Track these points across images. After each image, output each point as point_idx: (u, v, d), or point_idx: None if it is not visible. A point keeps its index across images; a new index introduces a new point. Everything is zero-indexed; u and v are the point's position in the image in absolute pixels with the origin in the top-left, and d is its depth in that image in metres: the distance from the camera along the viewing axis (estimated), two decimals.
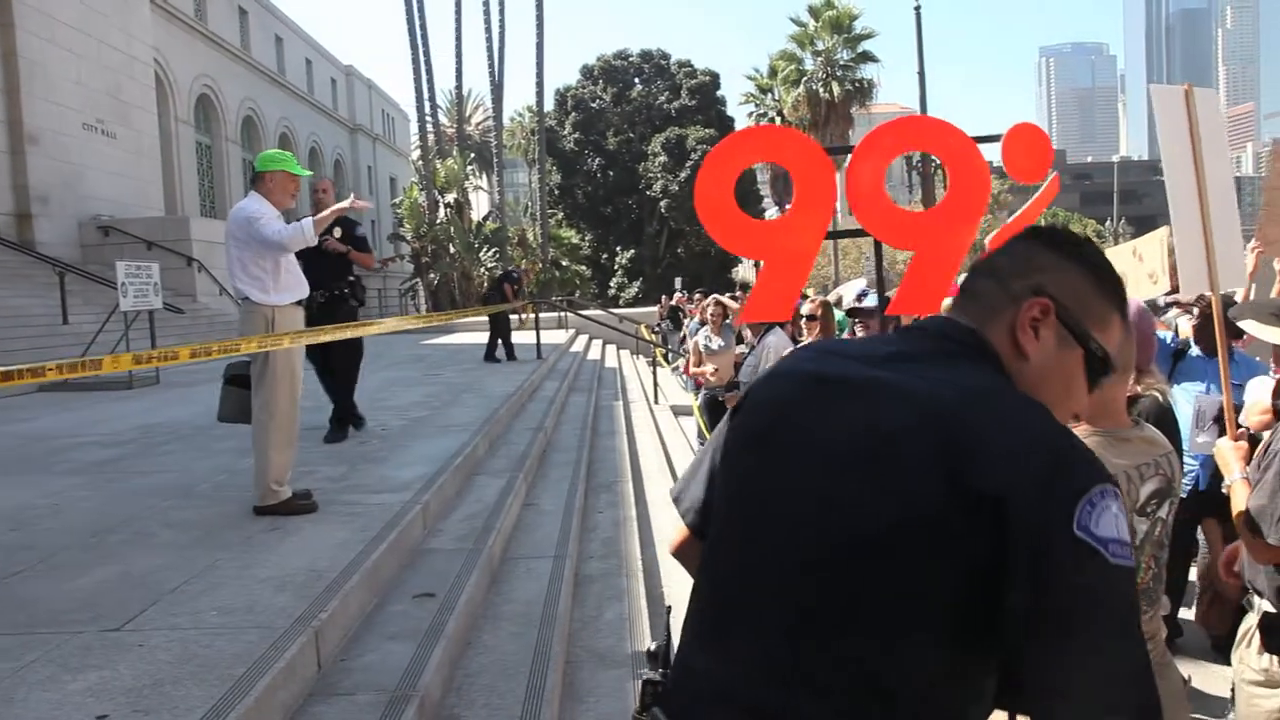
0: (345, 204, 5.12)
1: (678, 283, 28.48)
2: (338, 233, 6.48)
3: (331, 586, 3.34)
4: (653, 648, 1.29)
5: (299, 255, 5.61)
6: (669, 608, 1.46)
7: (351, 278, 6.75)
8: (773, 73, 41.71)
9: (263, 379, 4.40)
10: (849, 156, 3.84)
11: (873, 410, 1.07)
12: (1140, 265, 7.33)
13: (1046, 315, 1.17)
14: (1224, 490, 2.62)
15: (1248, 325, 2.52)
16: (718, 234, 3.82)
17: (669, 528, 5.25)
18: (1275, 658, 2.44)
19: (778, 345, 5.95)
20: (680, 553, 1.38)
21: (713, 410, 8.39)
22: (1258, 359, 4.67)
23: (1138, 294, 7.00)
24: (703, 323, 9.48)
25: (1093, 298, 1.20)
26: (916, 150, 4.41)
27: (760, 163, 4.14)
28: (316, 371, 6.48)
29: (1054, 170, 4.44)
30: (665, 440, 9.90)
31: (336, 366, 6.56)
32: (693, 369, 8.31)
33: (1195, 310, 4.82)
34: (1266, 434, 2.58)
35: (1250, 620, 2.54)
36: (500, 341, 13.02)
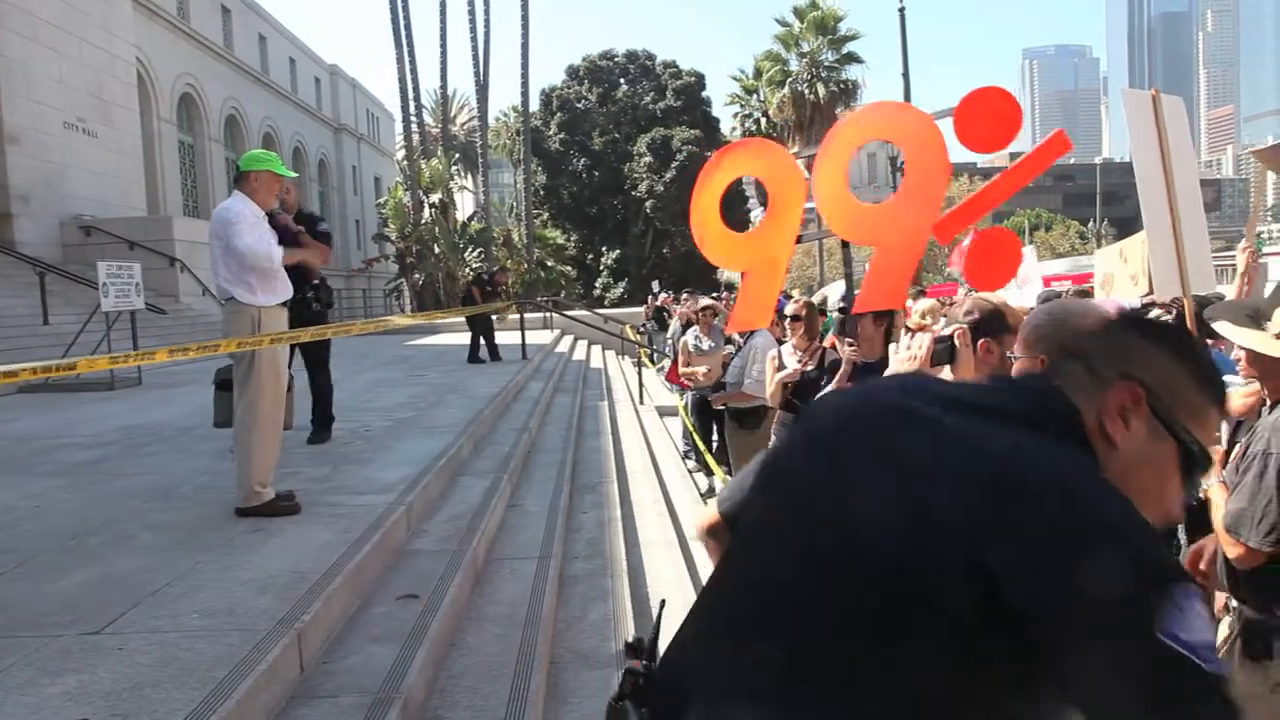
0: (314, 255, 5.08)
1: (655, 285, 28.50)
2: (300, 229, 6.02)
3: (314, 588, 3.33)
4: (631, 639, 1.28)
5: None
6: (663, 601, 1.46)
7: (316, 280, 6.29)
8: (758, 74, 41.87)
9: (247, 380, 4.38)
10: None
11: (937, 455, 1.02)
12: (1124, 266, 7.38)
13: (1138, 404, 1.10)
14: (1201, 495, 2.61)
15: (1221, 327, 2.53)
16: (708, 252, 3.85)
17: (654, 528, 5.26)
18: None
19: (764, 346, 5.98)
20: (706, 534, 1.38)
21: (701, 411, 8.39)
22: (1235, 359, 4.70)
23: (1120, 295, 7.04)
24: (687, 323, 9.46)
25: (1188, 388, 1.13)
26: (877, 139, 4.24)
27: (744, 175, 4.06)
28: None
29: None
30: (650, 441, 9.90)
31: (310, 369, 6.32)
32: (681, 369, 8.25)
33: (1174, 311, 4.85)
34: (1244, 439, 2.59)
35: (1231, 625, 2.52)
36: (484, 342, 13.00)
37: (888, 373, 2.16)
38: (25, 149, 16.04)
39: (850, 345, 4.23)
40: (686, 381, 8.21)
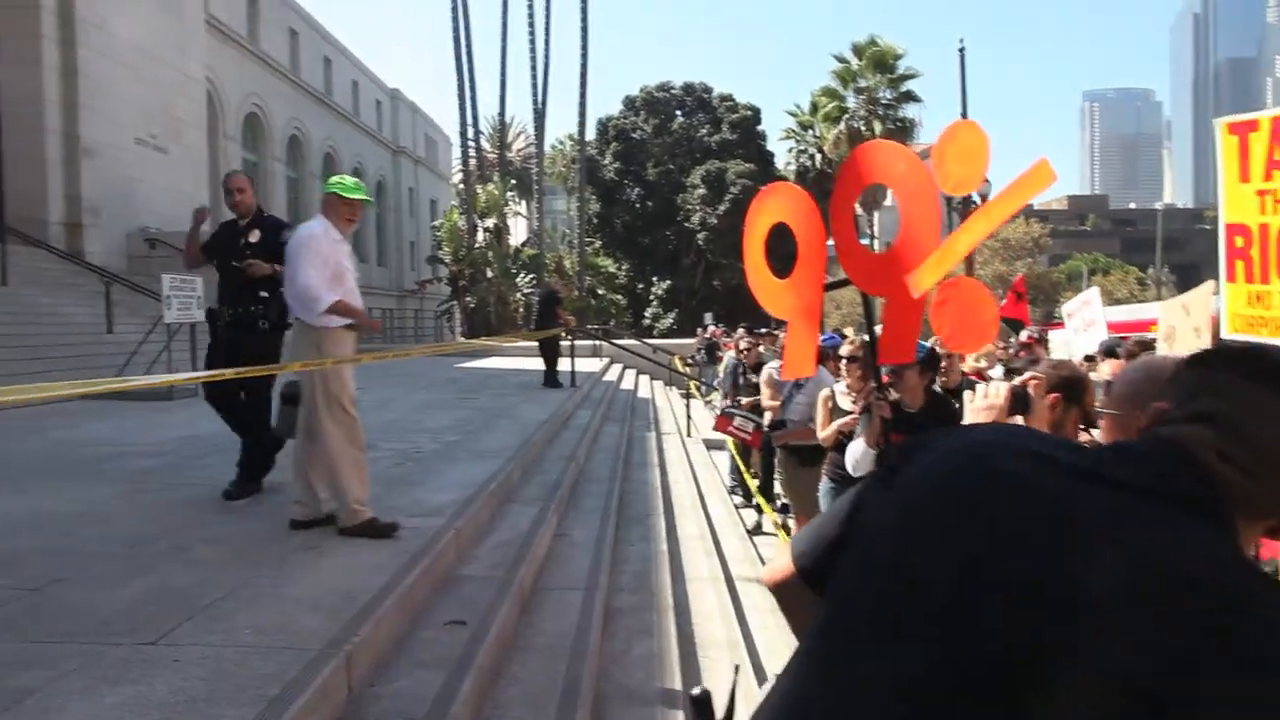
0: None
1: (708, 318, 28.49)
2: (255, 235, 5.39)
3: (365, 610, 3.34)
4: (699, 692, 1.23)
5: (217, 265, 5.47)
6: (737, 667, 1.42)
7: (265, 293, 5.36)
8: (814, 109, 41.96)
9: (314, 403, 4.42)
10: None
11: (1070, 549, 0.90)
12: (1188, 319, 7.23)
13: None
14: None
15: None
16: (761, 301, 3.86)
17: (700, 564, 5.22)
18: None
19: (822, 381, 5.94)
20: (778, 588, 1.28)
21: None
22: None
23: (1183, 348, 6.88)
24: (757, 362, 9.31)
25: None
26: (875, 182, 4.04)
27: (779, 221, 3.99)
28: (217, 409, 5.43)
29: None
30: (698, 474, 9.85)
31: (248, 399, 5.37)
32: (765, 402, 7.84)
33: None
34: None
35: None
36: (546, 366, 13.04)
37: (966, 421, 2.13)
38: (99, 163, 16.57)
39: (879, 399, 4.18)
40: (738, 431, 7.99)
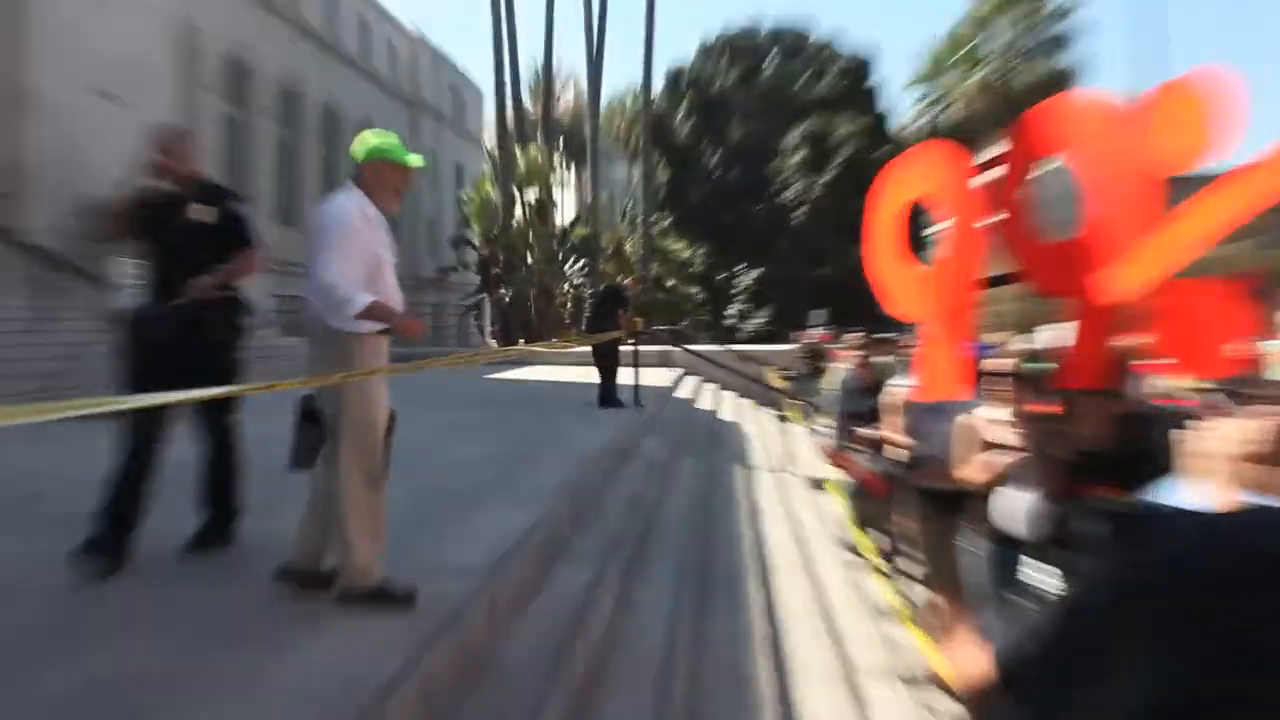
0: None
1: (815, 317, 28.22)
2: (211, 215, 5.28)
3: (372, 704, 3.21)
4: None
5: (148, 246, 5.28)
6: None
7: (230, 292, 5.33)
8: (944, 57, 41.77)
9: (334, 429, 4.27)
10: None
11: None
12: None
13: None
14: None
15: None
16: (890, 306, 3.73)
17: (809, 649, 5.01)
18: None
19: (968, 405, 5.70)
20: (975, 698, 1.29)
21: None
22: None
23: None
24: (873, 382, 9.00)
25: None
26: (1059, 148, 3.74)
27: (917, 203, 3.84)
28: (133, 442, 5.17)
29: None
30: (801, 525, 9.61)
31: (210, 426, 5.34)
32: (893, 435, 7.47)
33: None
34: None
35: None
36: (601, 379, 12.97)
37: (1199, 465, 1.92)
38: (39, 119, 17.01)
39: (1056, 433, 3.94)
40: (857, 470, 7.74)
